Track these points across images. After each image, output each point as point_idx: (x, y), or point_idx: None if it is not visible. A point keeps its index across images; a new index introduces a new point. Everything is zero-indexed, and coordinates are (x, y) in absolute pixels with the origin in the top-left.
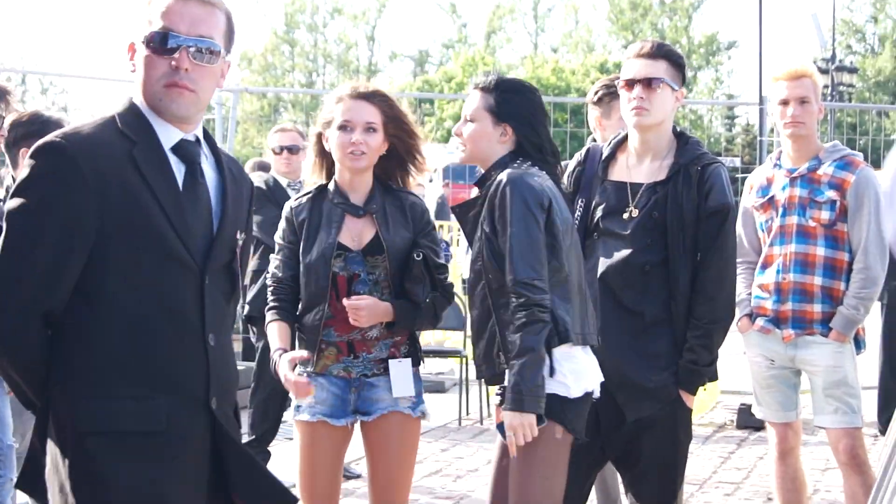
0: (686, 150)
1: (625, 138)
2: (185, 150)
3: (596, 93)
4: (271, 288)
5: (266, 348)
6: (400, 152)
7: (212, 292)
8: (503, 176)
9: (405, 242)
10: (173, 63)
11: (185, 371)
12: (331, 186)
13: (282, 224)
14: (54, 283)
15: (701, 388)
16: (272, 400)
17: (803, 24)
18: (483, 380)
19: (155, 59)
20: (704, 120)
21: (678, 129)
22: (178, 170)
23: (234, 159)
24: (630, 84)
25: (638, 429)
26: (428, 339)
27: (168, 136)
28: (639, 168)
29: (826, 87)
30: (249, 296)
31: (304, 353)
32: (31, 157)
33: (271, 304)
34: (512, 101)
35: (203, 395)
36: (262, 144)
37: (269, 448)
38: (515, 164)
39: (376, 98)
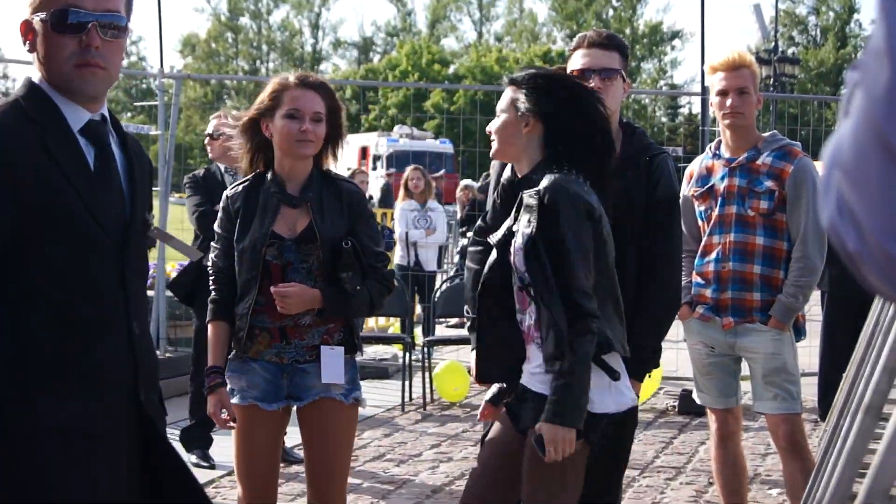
0: (633, 141)
1: None
2: (95, 132)
3: None
4: (212, 277)
5: (203, 329)
6: (328, 143)
7: (131, 277)
8: (550, 182)
9: (339, 231)
10: (83, 41)
11: (113, 364)
12: (269, 175)
13: (220, 212)
14: None
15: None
16: None
17: (746, 15)
18: (482, 380)
19: (60, 38)
20: (648, 109)
21: (624, 120)
22: (88, 152)
23: (134, 137)
24: (585, 74)
25: None
26: (372, 324)
27: (76, 117)
28: None
29: (768, 77)
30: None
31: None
32: None
33: (213, 295)
34: (540, 92)
35: (132, 386)
36: (205, 131)
37: (211, 434)
38: (558, 171)
39: (323, 89)
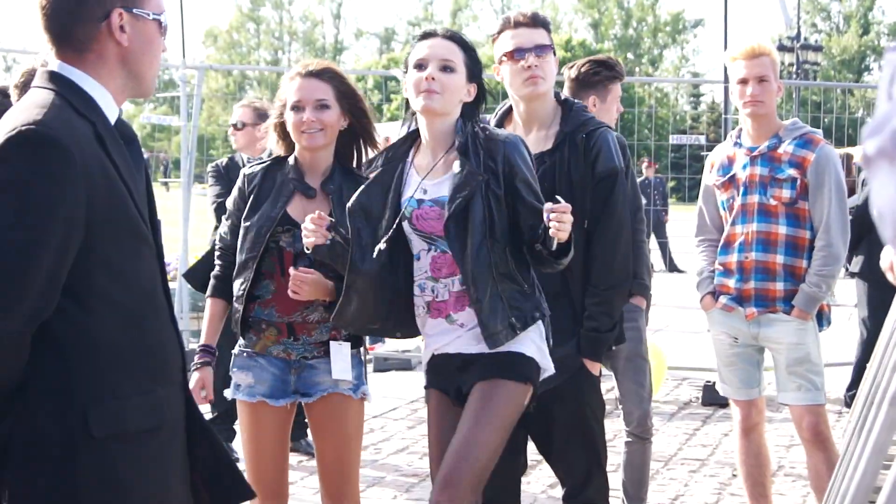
0: (570, 117)
1: (509, 110)
2: (124, 126)
3: (588, 72)
4: (218, 252)
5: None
6: (356, 130)
7: (164, 272)
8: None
9: None
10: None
11: (172, 355)
12: (291, 160)
13: (234, 190)
14: (55, 289)
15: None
16: None
17: (769, 3)
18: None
19: (160, 40)
20: (670, 98)
21: (562, 97)
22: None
23: (130, 127)
24: (519, 54)
25: (547, 403)
26: None
27: (111, 110)
28: (525, 139)
29: (791, 65)
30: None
31: (208, 395)
32: (18, 148)
33: (216, 270)
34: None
35: (181, 377)
36: (228, 122)
37: (233, 427)
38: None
39: (326, 75)
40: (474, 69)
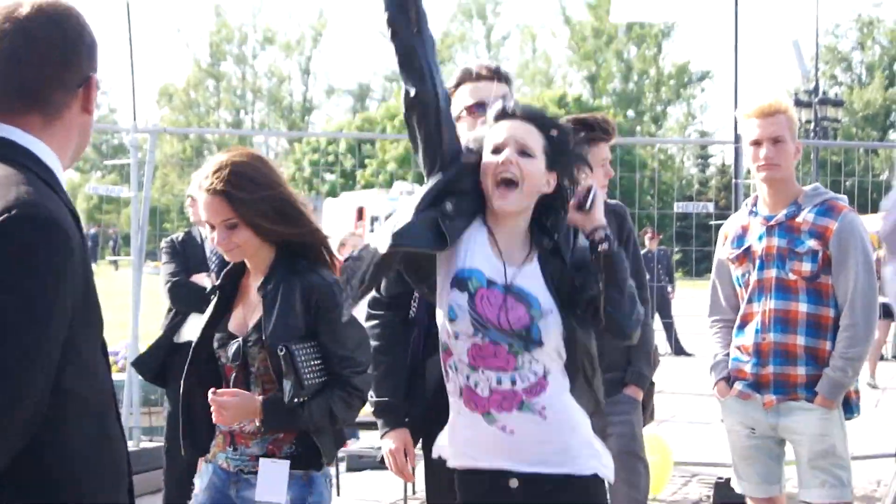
0: None
1: None
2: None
3: None
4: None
5: (175, 415)
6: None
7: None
8: None
9: (292, 333)
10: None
11: (124, 459)
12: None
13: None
14: (49, 385)
15: (652, 457)
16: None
17: (783, 53)
18: None
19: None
20: (675, 160)
21: None
22: None
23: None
24: (479, 109)
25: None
26: (368, 409)
27: (63, 184)
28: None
29: (809, 122)
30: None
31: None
32: (24, 232)
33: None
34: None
35: (129, 482)
36: (184, 191)
37: None
38: None
39: (223, 194)
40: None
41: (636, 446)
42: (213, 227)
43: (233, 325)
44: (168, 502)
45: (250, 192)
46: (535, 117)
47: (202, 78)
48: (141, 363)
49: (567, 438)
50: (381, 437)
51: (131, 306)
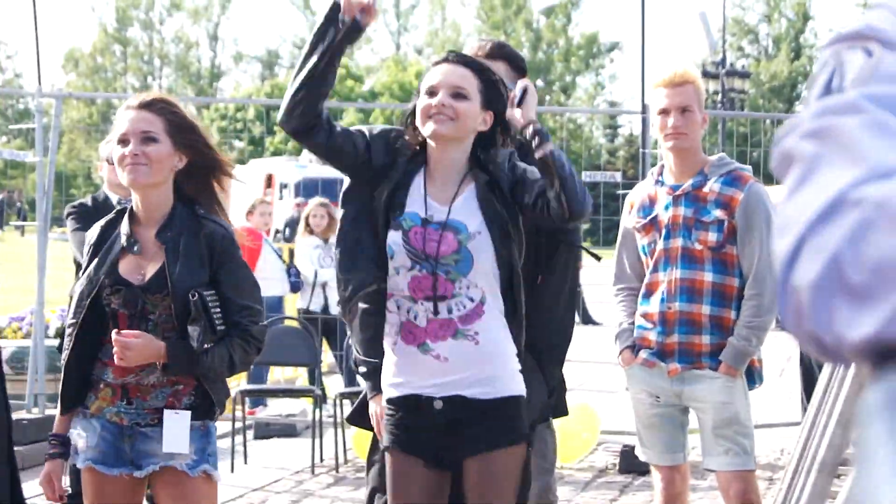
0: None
1: None
2: None
3: None
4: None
5: None
6: (202, 165)
7: None
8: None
9: (197, 280)
10: None
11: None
12: (130, 209)
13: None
14: None
15: (580, 429)
16: None
17: (691, 24)
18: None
19: None
20: (584, 130)
21: None
22: None
23: None
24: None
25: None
26: (278, 376)
27: None
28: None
29: (716, 93)
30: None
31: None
32: None
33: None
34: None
35: (7, 445)
36: (91, 157)
37: None
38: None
39: (156, 106)
40: (490, 96)
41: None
42: (124, 143)
43: (125, 272)
44: (74, 471)
45: (177, 115)
46: (469, 62)
47: (108, 43)
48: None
49: (496, 365)
50: (369, 399)
51: (37, 272)
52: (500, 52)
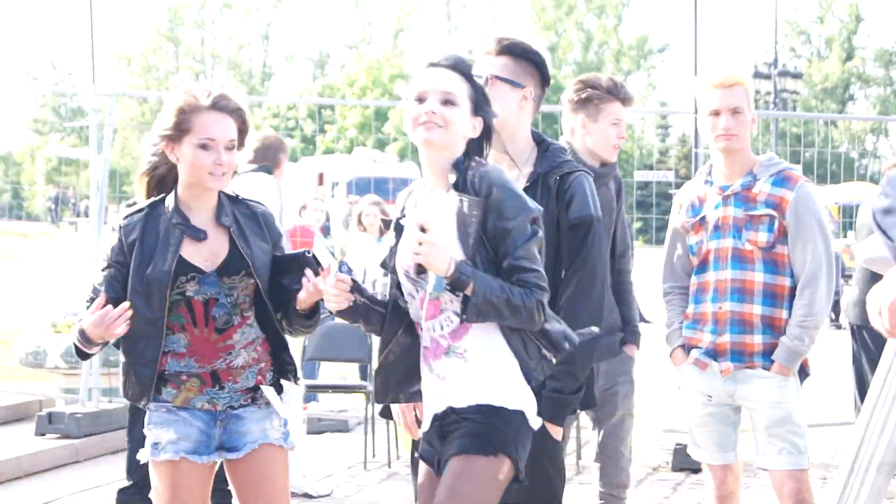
0: (546, 157)
1: None
2: None
3: (578, 91)
4: (88, 304)
5: None
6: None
7: None
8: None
9: (267, 256)
10: None
11: None
12: (168, 203)
13: (113, 240)
14: None
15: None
16: None
17: (743, 25)
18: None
19: None
20: (636, 130)
21: (539, 136)
22: None
23: None
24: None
25: None
26: (331, 372)
27: None
28: None
29: (768, 93)
30: None
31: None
32: None
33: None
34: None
35: None
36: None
37: (150, 497)
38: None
39: (237, 114)
40: (480, 102)
41: (630, 404)
42: (204, 147)
43: (191, 259)
44: (131, 462)
45: (246, 122)
46: (459, 66)
47: (161, 43)
48: None
49: (485, 379)
50: None
51: (92, 267)
52: (502, 47)
